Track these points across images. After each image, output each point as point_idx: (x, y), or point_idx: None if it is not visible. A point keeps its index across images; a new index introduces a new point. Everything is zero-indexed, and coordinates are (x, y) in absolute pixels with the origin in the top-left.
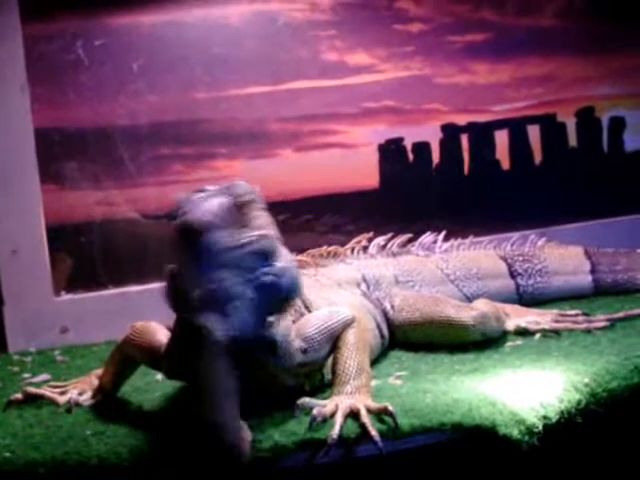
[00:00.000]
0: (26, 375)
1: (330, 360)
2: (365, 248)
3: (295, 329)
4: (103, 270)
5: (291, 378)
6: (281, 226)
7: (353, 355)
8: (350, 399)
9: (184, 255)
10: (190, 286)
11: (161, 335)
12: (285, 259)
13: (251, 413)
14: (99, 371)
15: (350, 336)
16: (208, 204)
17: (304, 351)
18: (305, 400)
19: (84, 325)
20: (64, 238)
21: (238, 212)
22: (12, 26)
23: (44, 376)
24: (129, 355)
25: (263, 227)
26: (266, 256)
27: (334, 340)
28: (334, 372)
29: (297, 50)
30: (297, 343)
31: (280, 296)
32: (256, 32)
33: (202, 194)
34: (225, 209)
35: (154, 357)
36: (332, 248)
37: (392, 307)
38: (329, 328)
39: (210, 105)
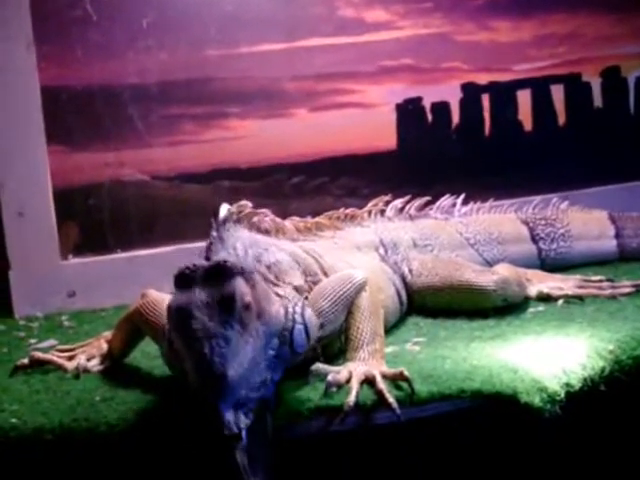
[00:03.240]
0: (32, 340)
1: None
2: (382, 211)
3: (310, 303)
4: (111, 234)
5: (310, 353)
6: (294, 188)
7: (366, 320)
8: (364, 365)
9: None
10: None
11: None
12: (297, 320)
13: None
14: (108, 335)
15: (363, 300)
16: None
17: (321, 326)
18: (319, 366)
19: (92, 290)
20: (71, 200)
21: (243, 314)
22: None
23: (51, 341)
24: (136, 325)
25: (266, 307)
26: (277, 333)
27: (348, 306)
28: (347, 337)
29: (312, 6)
30: (315, 320)
31: (297, 354)
32: None
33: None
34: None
35: (161, 336)
36: (349, 211)
37: (410, 271)
38: (342, 297)
39: (222, 63)
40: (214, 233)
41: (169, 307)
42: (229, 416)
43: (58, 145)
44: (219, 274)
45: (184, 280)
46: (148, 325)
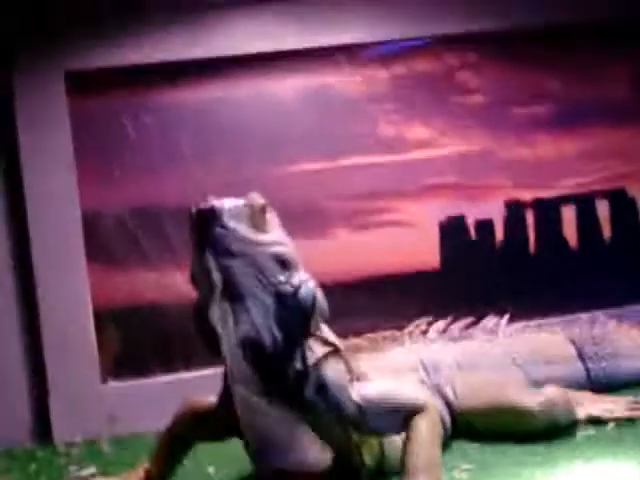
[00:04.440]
0: (72, 467)
1: (392, 444)
2: (424, 332)
3: (355, 386)
4: (152, 356)
5: (344, 437)
6: (336, 309)
7: (424, 447)
8: None
9: (199, 244)
10: (202, 276)
11: (211, 398)
12: (305, 275)
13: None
14: (146, 464)
15: (422, 426)
16: (226, 200)
17: (359, 408)
18: None
19: (133, 414)
20: (112, 322)
21: (257, 216)
22: (59, 102)
23: (91, 469)
24: (178, 435)
25: (282, 238)
26: (284, 264)
27: (399, 419)
28: (403, 464)
29: (353, 125)
30: (354, 396)
31: (299, 310)
32: (310, 107)
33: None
34: (243, 207)
35: (206, 418)
36: (389, 332)
37: (454, 393)
38: (395, 401)
39: (262, 183)
40: None
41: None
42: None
43: (98, 266)
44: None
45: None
46: (191, 413)
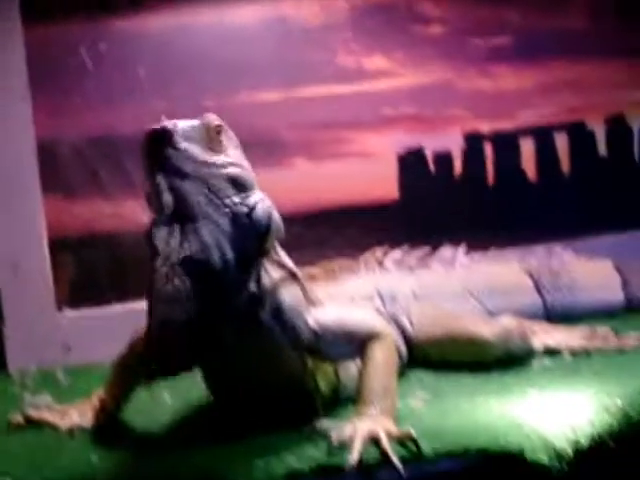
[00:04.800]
0: (27, 395)
1: (346, 370)
2: (381, 262)
3: (311, 312)
4: (108, 285)
5: (299, 362)
6: (294, 240)
7: (379, 375)
8: (371, 423)
9: (150, 165)
10: (154, 198)
11: None
12: (260, 195)
13: (266, 432)
14: (101, 392)
15: (378, 352)
16: (180, 121)
17: (315, 334)
18: (323, 423)
19: (88, 343)
20: (67, 251)
21: (212, 137)
22: (13, 32)
23: (45, 397)
24: (130, 367)
25: (238, 159)
26: (240, 185)
27: (354, 345)
28: (357, 391)
29: (311, 54)
30: (310, 321)
31: (254, 230)
32: (268, 36)
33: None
34: (197, 128)
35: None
36: (345, 262)
37: (410, 322)
38: (351, 328)
39: (220, 112)
40: None
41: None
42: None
43: (54, 195)
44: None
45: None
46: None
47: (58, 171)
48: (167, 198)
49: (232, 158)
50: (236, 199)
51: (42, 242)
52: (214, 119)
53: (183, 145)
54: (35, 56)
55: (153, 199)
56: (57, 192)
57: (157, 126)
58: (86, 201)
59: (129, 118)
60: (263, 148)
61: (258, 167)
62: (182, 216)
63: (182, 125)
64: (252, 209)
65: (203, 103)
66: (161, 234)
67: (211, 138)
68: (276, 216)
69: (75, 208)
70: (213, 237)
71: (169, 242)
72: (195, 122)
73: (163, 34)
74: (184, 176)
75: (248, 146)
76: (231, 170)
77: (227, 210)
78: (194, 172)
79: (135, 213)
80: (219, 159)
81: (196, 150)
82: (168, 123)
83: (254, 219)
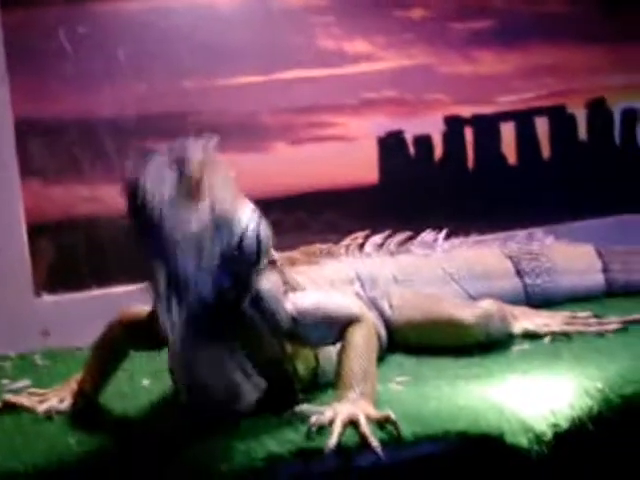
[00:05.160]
0: (5, 381)
1: (326, 353)
2: (361, 246)
3: (290, 297)
4: (87, 270)
5: (278, 348)
6: (274, 224)
7: (359, 358)
8: (351, 406)
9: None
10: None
11: (146, 307)
12: (245, 215)
13: (245, 417)
14: (79, 377)
15: (357, 336)
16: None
17: (294, 320)
18: (303, 407)
19: (66, 328)
20: (45, 235)
21: (192, 186)
22: None
23: (24, 382)
24: (111, 346)
25: (221, 192)
26: (225, 223)
27: (333, 330)
28: (337, 374)
29: (291, 37)
30: (288, 307)
31: (247, 261)
32: (248, 19)
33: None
34: (178, 188)
35: (140, 326)
36: (326, 246)
37: (390, 306)
38: (329, 312)
39: (199, 95)
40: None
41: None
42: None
43: (32, 179)
44: (181, 152)
45: (147, 156)
46: (127, 322)
47: (36, 155)
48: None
49: (215, 197)
50: (224, 239)
51: (20, 227)
52: (195, 169)
53: (167, 214)
54: (13, 39)
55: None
56: (35, 176)
57: (136, 193)
58: (64, 185)
59: (108, 101)
60: (243, 132)
61: (238, 151)
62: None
63: (164, 191)
64: (240, 241)
65: (181, 86)
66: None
67: (191, 188)
68: (264, 233)
69: (53, 192)
70: (207, 287)
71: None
72: (172, 177)
73: (142, 16)
74: (173, 246)
75: (228, 130)
76: (216, 213)
77: (218, 257)
78: (182, 238)
79: (113, 196)
80: (201, 208)
81: (179, 215)
82: (148, 190)
83: (244, 250)
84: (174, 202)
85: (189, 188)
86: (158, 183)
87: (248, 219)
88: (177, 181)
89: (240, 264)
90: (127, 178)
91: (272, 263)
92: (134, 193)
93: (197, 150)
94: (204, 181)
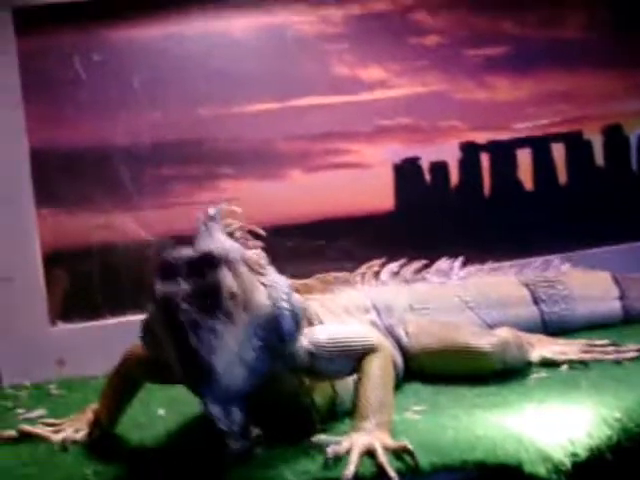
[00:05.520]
0: (20, 410)
1: (343, 383)
2: (377, 274)
3: (306, 332)
4: (102, 298)
5: (295, 382)
6: (290, 251)
7: (375, 389)
8: (368, 436)
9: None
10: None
11: None
12: (280, 301)
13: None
14: (95, 406)
15: (374, 366)
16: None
17: (311, 355)
18: (320, 437)
19: (82, 357)
20: (61, 264)
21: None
22: (6, 41)
23: (39, 411)
24: (127, 377)
25: (247, 295)
26: (262, 329)
27: (351, 361)
28: (354, 405)
29: (306, 65)
30: (304, 343)
31: (287, 342)
32: (263, 46)
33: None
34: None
35: (156, 364)
36: (341, 274)
37: (406, 334)
38: (346, 344)
39: (215, 123)
40: (202, 226)
41: (152, 297)
42: (217, 410)
43: (47, 207)
44: (204, 263)
45: (167, 269)
46: (143, 357)
47: (51, 183)
48: (217, 414)
49: (252, 307)
50: (266, 334)
51: (35, 255)
52: (226, 289)
53: (220, 377)
54: (28, 66)
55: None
56: (50, 204)
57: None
58: (79, 213)
59: (123, 128)
60: (258, 159)
61: (253, 179)
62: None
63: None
64: (280, 329)
65: (196, 113)
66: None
67: (228, 306)
68: (298, 307)
69: (68, 221)
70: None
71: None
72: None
73: (157, 44)
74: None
75: (243, 157)
76: (254, 323)
77: (263, 351)
78: (223, 362)
79: (128, 225)
80: (242, 327)
81: (231, 364)
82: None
83: (284, 337)
84: (213, 326)
85: (223, 303)
86: (192, 309)
87: (278, 299)
88: (209, 301)
89: (284, 347)
90: (159, 305)
91: None
92: (171, 324)
93: (220, 256)
94: (234, 289)
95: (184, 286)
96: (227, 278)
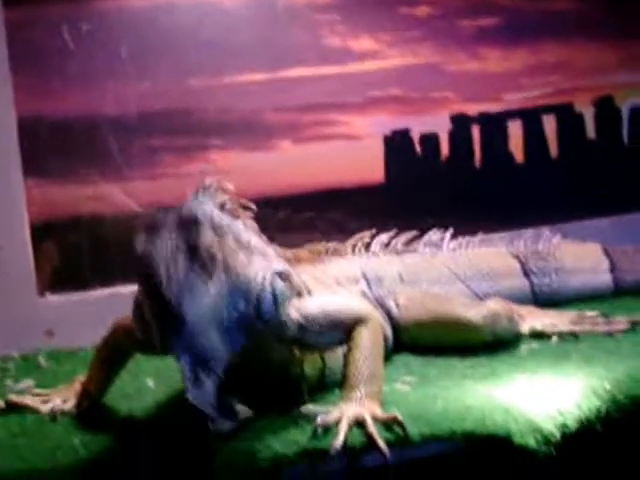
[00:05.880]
0: (9, 382)
1: (332, 353)
2: (367, 245)
3: (295, 303)
4: (91, 269)
5: (285, 353)
6: (280, 223)
7: (365, 359)
8: (357, 406)
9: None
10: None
11: None
12: (260, 277)
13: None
14: (83, 377)
15: (363, 338)
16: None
17: (301, 328)
18: (309, 407)
19: (70, 328)
20: (49, 235)
21: (201, 259)
22: None
23: (28, 382)
24: (115, 347)
25: (229, 260)
26: (239, 296)
27: (340, 332)
28: (344, 375)
29: (296, 35)
30: (294, 315)
31: (266, 320)
32: (253, 16)
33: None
34: (186, 263)
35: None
36: (332, 245)
37: (397, 306)
38: (336, 316)
39: (204, 93)
40: (192, 195)
41: (133, 251)
42: (187, 370)
43: (35, 178)
44: (187, 222)
45: (151, 225)
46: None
47: (39, 154)
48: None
49: (231, 273)
50: (244, 306)
51: (23, 227)
52: (206, 242)
53: (192, 328)
54: (16, 37)
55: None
56: (38, 175)
57: (149, 277)
58: (68, 184)
59: (111, 99)
60: (248, 130)
61: (243, 150)
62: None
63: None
64: (258, 305)
65: (185, 83)
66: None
67: (204, 261)
68: (279, 288)
69: (56, 191)
70: (231, 353)
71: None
72: (183, 252)
73: (146, 14)
74: (194, 328)
75: (232, 128)
76: (233, 290)
77: (239, 323)
78: (201, 319)
79: (116, 195)
80: (220, 289)
81: (204, 320)
82: (158, 274)
83: (262, 315)
84: (188, 280)
85: (202, 261)
86: (170, 262)
87: (262, 278)
88: (188, 257)
89: (261, 325)
90: (139, 258)
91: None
92: (147, 276)
93: (205, 217)
94: (215, 250)
95: (165, 241)
96: (207, 237)
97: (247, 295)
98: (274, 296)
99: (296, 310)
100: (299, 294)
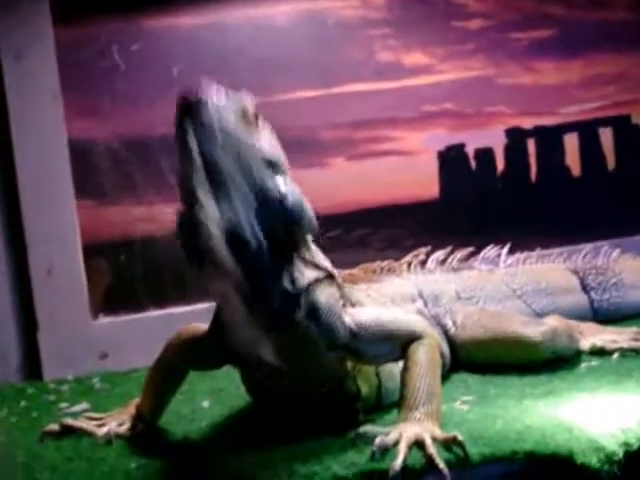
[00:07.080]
0: (63, 405)
1: (388, 372)
2: (423, 263)
3: (349, 311)
4: (144, 291)
5: (337, 364)
6: (334, 241)
7: (423, 378)
8: (416, 427)
9: (182, 133)
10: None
11: (203, 325)
12: (294, 186)
13: (308, 438)
14: (138, 400)
15: (421, 354)
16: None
17: (353, 334)
18: (367, 428)
19: (124, 350)
20: (101, 257)
21: (248, 116)
22: (44, 32)
23: (82, 405)
24: (169, 367)
25: (272, 143)
26: (273, 168)
27: (393, 346)
28: (401, 394)
29: (349, 51)
30: (347, 321)
31: (285, 218)
32: (305, 33)
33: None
34: (234, 103)
35: (198, 345)
36: (386, 263)
37: (454, 324)
38: (390, 328)
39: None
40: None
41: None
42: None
43: (87, 199)
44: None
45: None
46: (184, 344)
47: (91, 174)
48: (197, 160)
49: (266, 141)
50: (268, 181)
51: (76, 248)
52: (250, 102)
53: (222, 114)
54: (66, 58)
55: (184, 168)
56: (90, 196)
57: (192, 95)
58: (120, 205)
59: (162, 119)
60: (301, 148)
61: (296, 167)
62: (213, 180)
63: (217, 100)
64: (284, 197)
65: None
66: (199, 200)
67: (247, 117)
68: (308, 209)
69: (109, 212)
70: (245, 210)
71: (208, 208)
72: (233, 98)
73: (196, 32)
74: (215, 144)
75: (286, 145)
76: (265, 151)
77: (259, 189)
78: (225, 141)
79: (169, 215)
80: (252, 138)
81: (230, 124)
82: (204, 93)
83: (286, 207)
84: (226, 113)
85: (244, 114)
86: (218, 108)
87: (296, 186)
88: (235, 111)
89: (277, 219)
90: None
91: (330, 277)
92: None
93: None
94: (259, 119)
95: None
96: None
97: (273, 205)
98: (299, 204)
99: (349, 317)
100: (352, 304)
